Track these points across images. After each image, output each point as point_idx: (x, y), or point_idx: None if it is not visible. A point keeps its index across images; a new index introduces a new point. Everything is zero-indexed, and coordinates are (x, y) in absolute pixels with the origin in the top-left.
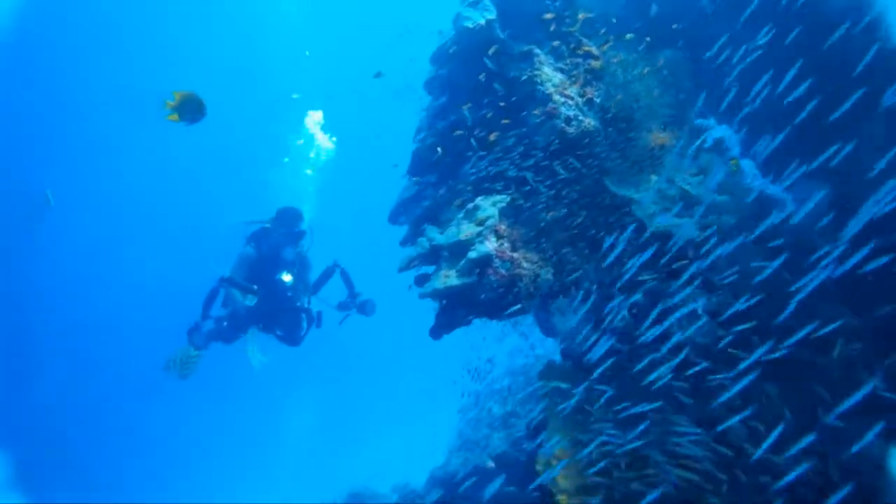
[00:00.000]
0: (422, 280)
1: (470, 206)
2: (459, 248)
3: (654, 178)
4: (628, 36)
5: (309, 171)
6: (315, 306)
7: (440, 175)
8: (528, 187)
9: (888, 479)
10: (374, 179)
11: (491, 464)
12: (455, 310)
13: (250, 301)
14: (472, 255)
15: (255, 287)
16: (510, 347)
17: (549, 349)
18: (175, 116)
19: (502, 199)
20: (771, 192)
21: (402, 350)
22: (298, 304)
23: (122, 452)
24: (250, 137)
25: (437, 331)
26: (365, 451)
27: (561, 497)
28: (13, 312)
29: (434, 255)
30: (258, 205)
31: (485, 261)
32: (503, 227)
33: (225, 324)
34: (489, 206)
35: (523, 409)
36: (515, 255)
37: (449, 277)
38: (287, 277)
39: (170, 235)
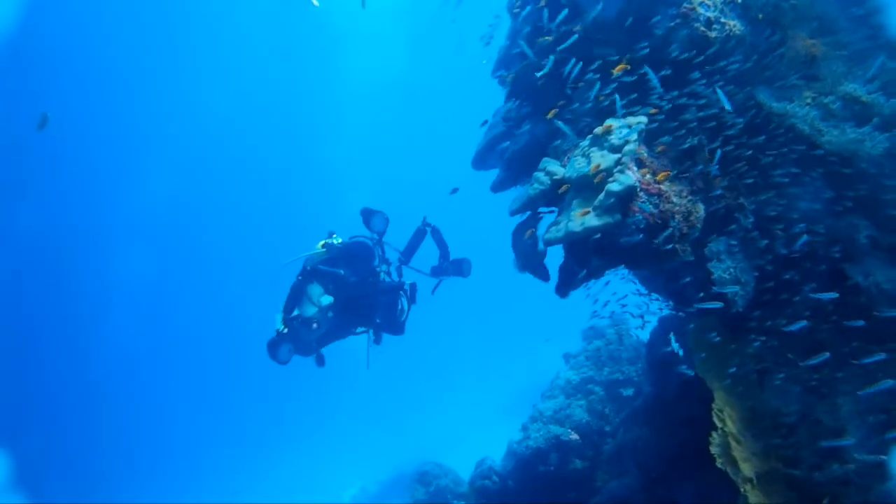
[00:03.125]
0: (525, 226)
1: (599, 129)
2: (593, 182)
3: (807, 93)
4: None
5: None
6: (406, 278)
7: (540, 104)
8: (668, 105)
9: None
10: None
11: (574, 436)
12: (587, 259)
13: (326, 300)
14: (614, 187)
15: (342, 272)
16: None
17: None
18: None
19: (640, 121)
20: None
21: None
22: (390, 281)
23: (121, 452)
24: None
25: (565, 287)
26: (436, 423)
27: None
28: (13, 312)
29: (556, 193)
30: None
31: (628, 195)
32: (645, 154)
33: (315, 325)
34: (626, 130)
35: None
36: (663, 187)
37: (587, 217)
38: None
39: (169, 234)
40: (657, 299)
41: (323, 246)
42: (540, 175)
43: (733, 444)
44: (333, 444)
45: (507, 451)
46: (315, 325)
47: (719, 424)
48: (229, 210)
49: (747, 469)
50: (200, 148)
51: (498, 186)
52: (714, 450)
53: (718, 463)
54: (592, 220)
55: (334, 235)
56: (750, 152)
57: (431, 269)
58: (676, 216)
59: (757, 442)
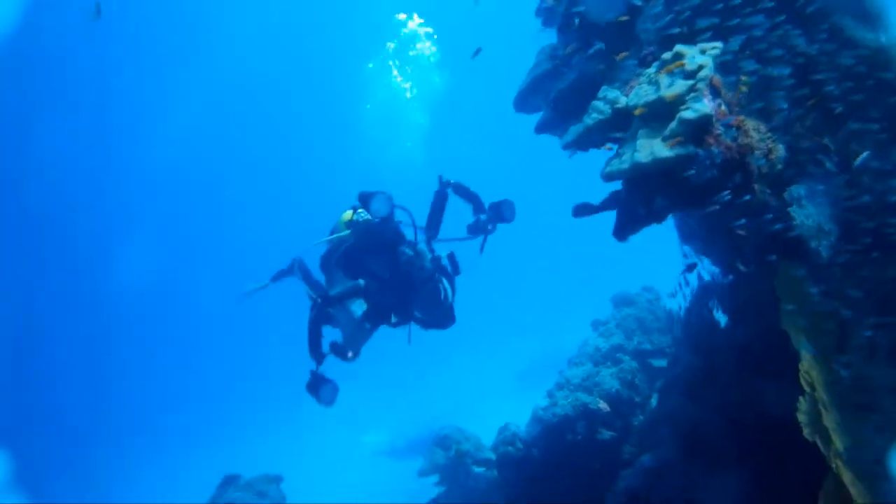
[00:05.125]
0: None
1: (667, 55)
2: (663, 110)
3: None
4: None
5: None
6: (442, 251)
7: (592, 38)
8: (746, 35)
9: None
10: None
11: (603, 405)
12: (652, 198)
13: (359, 307)
14: (688, 115)
15: (362, 282)
16: None
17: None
18: None
19: (715, 47)
20: None
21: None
22: (426, 267)
23: (122, 452)
24: None
25: (624, 229)
26: (455, 388)
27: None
28: (13, 312)
29: (618, 124)
30: None
31: (703, 124)
32: (721, 83)
33: (350, 355)
34: (699, 55)
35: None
36: (742, 119)
37: (656, 147)
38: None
39: (167, 231)
40: (697, 262)
41: (348, 224)
42: (599, 104)
43: (824, 411)
44: (352, 403)
45: (532, 417)
46: (350, 355)
47: (807, 389)
48: (228, 208)
49: (840, 442)
50: (199, 146)
51: (542, 127)
52: (801, 417)
53: (806, 433)
54: (663, 151)
55: (359, 210)
56: (835, 88)
57: (468, 227)
58: (756, 152)
59: (841, 417)
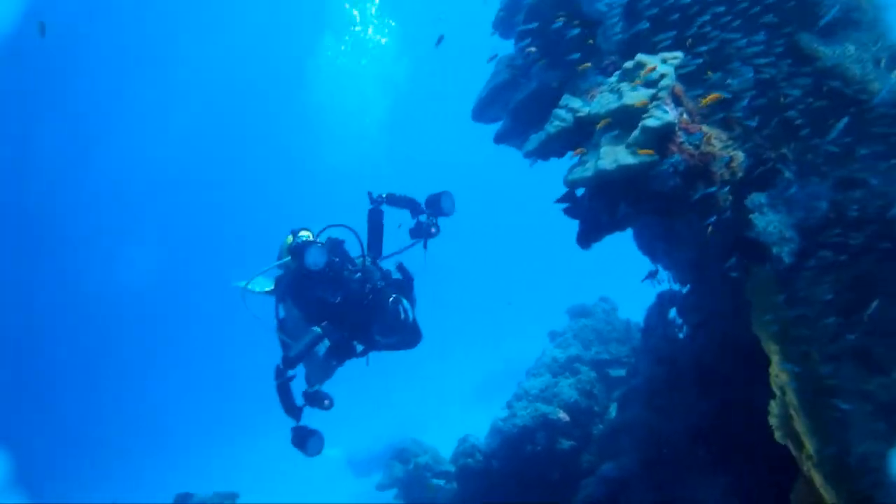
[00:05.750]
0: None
1: (629, 64)
2: (625, 118)
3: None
4: None
5: None
6: (390, 266)
7: (552, 47)
8: (705, 46)
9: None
10: None
11: (563, 415)
12: (615, 205)
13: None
14: (651, 122)
15: (318, 329)
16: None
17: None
18: None
19: (676, 56)
20: None
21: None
22: (376, 286)
23: (122, 452)
24: None
25: (587, 237)
26: (411, 400)
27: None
28: (13, 312)
29: (579, 133)
30: None
31: (666, 132)
32: (682, 91)
33: (327, 402)
34: (660, 64)
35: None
36: (704, 128)
37: (620, 154)
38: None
39: (167, 229)
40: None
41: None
42: (561, 112)
43: (794, 415)
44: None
45: (492, 429)
46: (327, 402)
47: (777, 392)
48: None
49: (811, 445)
50: (199, 145)
51: (502, 137)
52: (772, 421)
53: (777, 436)
54: (627, 158)
55: (300, 233)
56: (793, 99)
57: (410, 232)
58: (718, 159)
59: (811, 420)
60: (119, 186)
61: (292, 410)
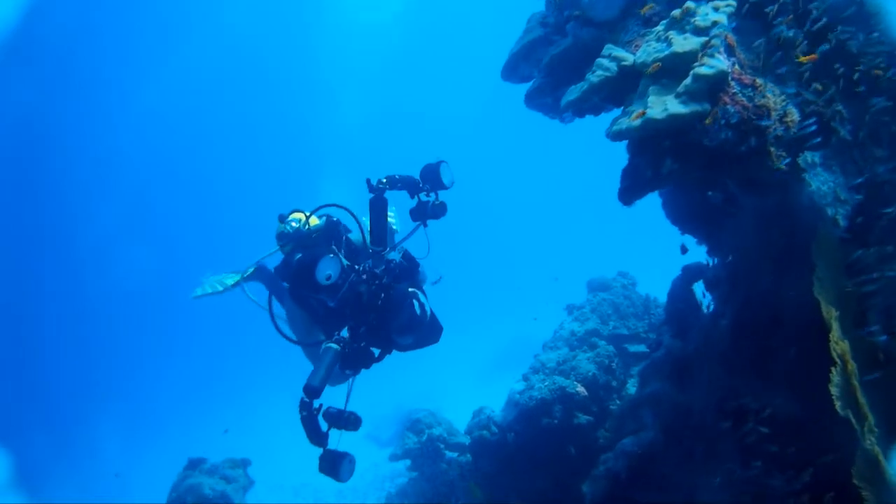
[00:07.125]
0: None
1: (677, 12)
2: (675, 67)
3: None
4: None
5: None
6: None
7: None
8: None
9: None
10: None
11: (580, 388)
12: (661, 160)
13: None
14: (704, 70)
15: (335, 346)
16: None
17: None
18: None
19: (728, 3)
20: None
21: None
22: (384, 283)
23: (122, 452)
24: None
25: (629, 193)
26: (425, 372)
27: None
28: (13, 311)
29: (624, 83)
30: None
31: (719, 81)
32: (735, 41)
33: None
34: (712, 11)
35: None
36: (757, 80)
37: (669, 103)
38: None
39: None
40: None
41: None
42: (604, 61)
43: (856, 386)
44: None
45: (508, 401)
46: (353, 421)
47: (838, 361)
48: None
49: (873, 417)
50: (199, 145)
51: (534, 94)
52: (833, 391)
53: (838, 406)
54: (678, 107)
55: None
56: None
57: (410, 213)
58: (773, 114)
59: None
60: (119, 186)
61: (318, 438)
